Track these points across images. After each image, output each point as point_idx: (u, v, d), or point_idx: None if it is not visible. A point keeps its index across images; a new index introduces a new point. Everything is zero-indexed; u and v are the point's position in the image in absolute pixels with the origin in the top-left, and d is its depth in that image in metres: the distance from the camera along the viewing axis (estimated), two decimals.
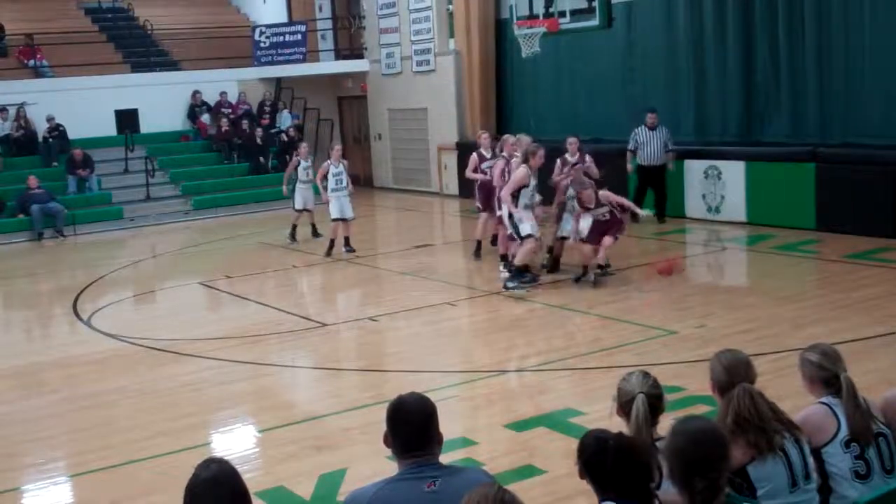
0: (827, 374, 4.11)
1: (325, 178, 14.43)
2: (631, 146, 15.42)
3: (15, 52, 22.78)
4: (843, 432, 3.96)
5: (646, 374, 4.02)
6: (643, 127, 15.33)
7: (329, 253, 14.11)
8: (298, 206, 15.71)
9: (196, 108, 22.77)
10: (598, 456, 3.23)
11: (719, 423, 3.77)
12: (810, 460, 3.84)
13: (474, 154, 13.49)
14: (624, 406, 3.97)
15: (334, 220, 14.22)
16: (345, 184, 14.35)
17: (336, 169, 14.34)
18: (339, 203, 14.21)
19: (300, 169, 15.66)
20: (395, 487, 3.40)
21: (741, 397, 3.80)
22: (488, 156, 13.19)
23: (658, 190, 15.40)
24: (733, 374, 3.99)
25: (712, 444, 3.21)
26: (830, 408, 4.04)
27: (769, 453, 3.71)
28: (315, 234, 15.90)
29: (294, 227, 15.75)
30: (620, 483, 3.19)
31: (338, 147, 15.13)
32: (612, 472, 3.19)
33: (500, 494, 2.92)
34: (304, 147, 16.20)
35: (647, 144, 15.31)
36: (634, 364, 8.23)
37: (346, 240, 14.41)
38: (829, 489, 3.94)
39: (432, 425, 3.53)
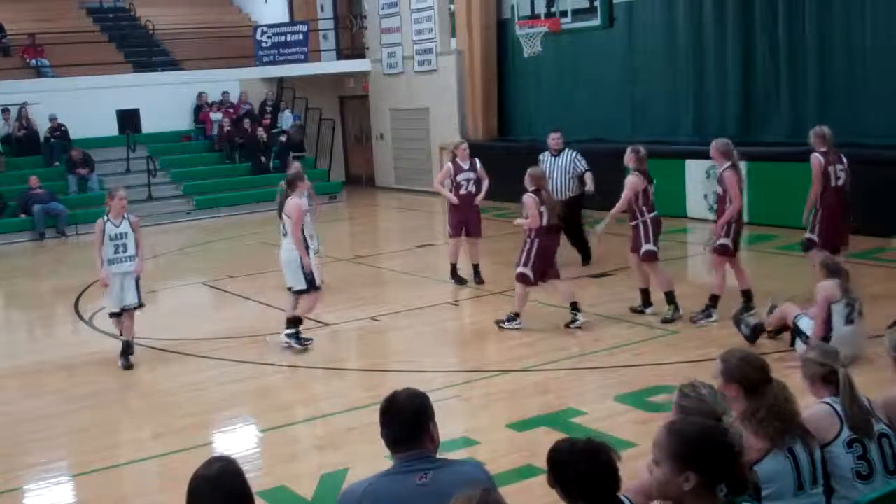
0: (826, 371, 4.14)
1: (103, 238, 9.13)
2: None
3: (20, 51, 22.82)
4: (846, 432, 3.97)
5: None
6: (547, 153, 12.19)
7: (126, 363, 9.17)
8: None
9: (202, 108, 22.80)
10: (564, 458, 3.21)
11: (744, 418, 3.76)
12: (819, 466, 3.84)
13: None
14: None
15: (112, 314, 9.41)
16: (130, 252, 9.06)
17: (117, 228, 9.06)
18: (117, 286, 9.12)
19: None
20: (385, 481, 3.42)
21: (780, 392, 3.88)
22: (465, 166, 11.72)
23: (571, 230, 12.00)
24: (766, 371, 4.02)
25: (727, 434, 3.21)
26: (833, 408, 4.05)
27: (780, 451, 3.74)
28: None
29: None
30: (587, 488, 3.15)
31: (120, 194, 9.23)
32: (577, 475, 3.15)
33: (483, 497, 2.92)
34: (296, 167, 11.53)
35: (550, 174, 11.76)
36: (634, 364, 8.24)
37: (125, 348, 9.26)
38: (831, 489, 3.94)
39: (422, 420, 3.51)
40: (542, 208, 9.31)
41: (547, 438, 6.63)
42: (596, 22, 16.21)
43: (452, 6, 20.79)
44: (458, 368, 8.74)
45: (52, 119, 20.67)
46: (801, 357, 4.31)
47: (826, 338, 7.56)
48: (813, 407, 4.12)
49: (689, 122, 16.18)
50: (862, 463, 3.95)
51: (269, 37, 23.07)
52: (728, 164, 9.30)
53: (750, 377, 3.99)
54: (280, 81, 23.65)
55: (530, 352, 8.90)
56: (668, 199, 15.45)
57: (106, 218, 9.06)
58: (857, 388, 4.08)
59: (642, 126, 16.97)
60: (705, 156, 15.11)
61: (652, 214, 9.55)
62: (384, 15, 22.43)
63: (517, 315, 9.61)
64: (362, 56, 23.79)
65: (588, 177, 11.87)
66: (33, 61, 22.57)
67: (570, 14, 16.09)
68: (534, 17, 16.70)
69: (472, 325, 10.36)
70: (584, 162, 12.02)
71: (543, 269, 9.45)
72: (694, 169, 15.39)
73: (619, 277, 11.34)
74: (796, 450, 3.76)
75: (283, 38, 23.03)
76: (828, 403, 4.08)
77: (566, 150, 12.04)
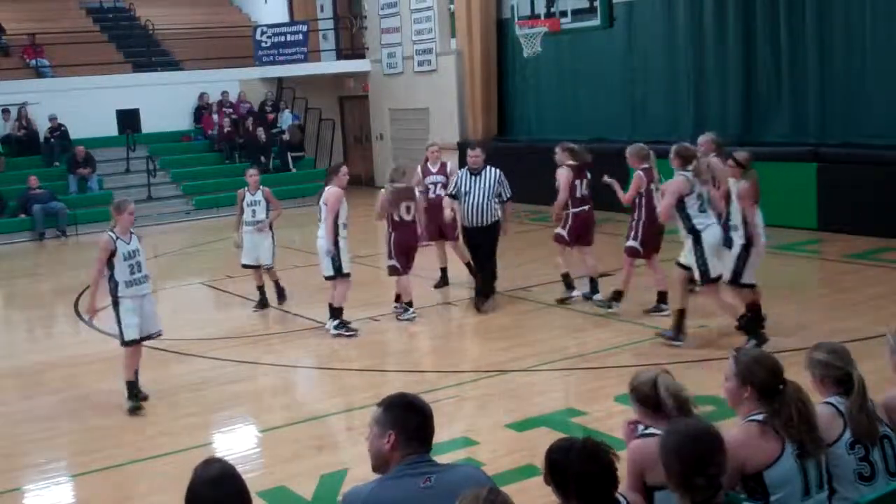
0: (839, 373, 4.03)
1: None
2: (451, 189, 10.83)
3: (20, 51, 22.83)
4: (848, 434, 3.91)
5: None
6: (465, 169, 10.76)
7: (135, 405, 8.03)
8: (245, 259, 11.35)
9: (203, 108, 22.81)
10: (562, 457, 3.21)
11: (767, 419, 3.73)
12: (825, 471, 3.79)
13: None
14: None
15: (131, 342, 8.11)
16: (144, 271, 8.08)
17: (128, 245, 7.98)
18: (137, 310, 8.06)
19: (245, 206, 11.18)
20: (390, 485, 3.40)
21: (798, 394, 3.79)
22: (434, 169, 11.73)
23: (483, 261, 10.81)
24: (780, 374, 3.90)
25: (709, 442, 3.22)
26: (837, 408, 3.98)
27: (792, 455, 3.68)
28: (280, 295, 11.52)
29: (259, 289, 11.40)
30: (583, 487, 3.16)
31: (132, 208, 8.11)
32: (575, 475, 3.15)
33: (491, 496, 2.93)
34: (252, 174, 11.42)
35: (469, 196, 10.51)
36: (634, 364, 8.23)
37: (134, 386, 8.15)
38: (832, 490, 3.89)
39: (433, 422, 3.57)
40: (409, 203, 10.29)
41: (547, 438, 6.58)
42: (596, 22, 16.22)
43: (452, 6, 20.78)
44: (457, 368, 8.74)
45: (52, 119, 20.67)
46: (811, 357, 4.17)
47: (696, 231, 8.32)
48: (816, 407, 4.00)
49: (690, 122, 16.14)
50: (864, 465, 3.89)
51: (268, 37, 23.06)
52: (644, 166, 9.62)
53: (767, 382, 3.88)
54: (280, 81, 23.65)
55: (530, 352, 8.90)
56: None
57: (115, 235, 7.86)
58: (868, 394, 3.99)
59: (642, 126, 16.96)
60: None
61: (577, 209, 10.32)
62: (384, 15, 22.43)
63: (409, 304, 10.36)
64: (362, 56, 23.79)
65: (508, 207, 10.72)
66: (33, 61, 22.57)
67: (569, 14, 16.10)
68: (534, 17, 16.70)
69: (471, 325, 10.35)
70: (507, 188, 10.58)
71: (404, 260, 10.33)
72: None
73: (619, 278, 11.32)
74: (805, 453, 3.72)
75: (282, 38, 23.03)
76: (831, 404, 4.01)
77: (488, 169, 10.54)
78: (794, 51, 14.56)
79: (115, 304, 7.93)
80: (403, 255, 10.36)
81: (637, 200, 9.63)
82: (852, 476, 3.89)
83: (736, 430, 3.78)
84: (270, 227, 11.24)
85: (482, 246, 10.68)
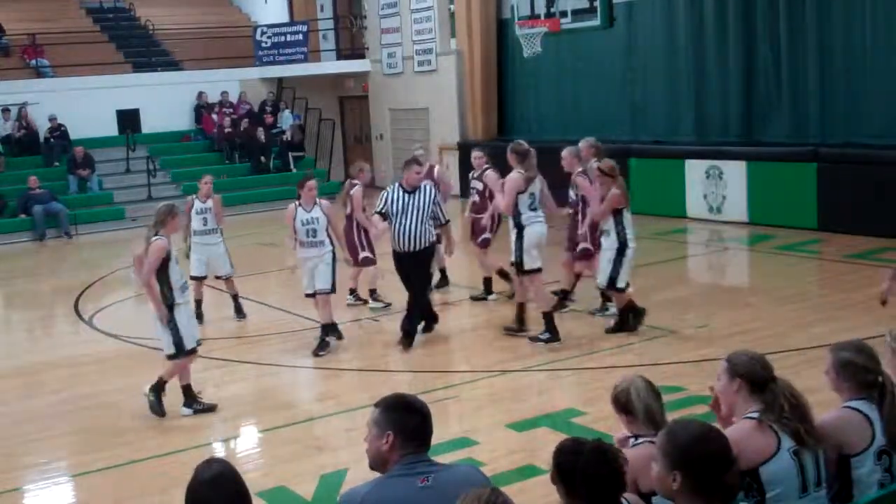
0: (873, 377, 3.86)
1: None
2: (380, 207, 9.17)
3: (20, 51, 22.85)
4: (879, 442, 3.76)
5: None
6: (397, 185, 9.29)
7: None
8: (195, 271, 10.75)
9: (202, 108, 22.82)
10: (573, 459, 3.19)
11: (761, 415, 3.69)
12: (823, 468, 3.69)
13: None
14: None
15: (188, 353, 7.92)
16: (185, 278, 8.00)
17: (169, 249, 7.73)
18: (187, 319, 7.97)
19: (193, 214, 10.70)
20: (387, 485, 3.40)
21: (788, 389, 3.72)
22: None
23: (415, 291, 9.40)
24: (770, 369, 3.83)
25: (716, 439, 3.20)
26: (864, 414, 3.81)
27: (787, 452, 3.62)
28: (238, 311, 11.11)
29: (196, 303, 10.51)
30: (592, 489, 3.14)
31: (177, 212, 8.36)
32: (584, 476, 3.14)
33: (492, 497, 2.93)
34: (206, 181, 10.96)
35: (403, 217, 9.07)
36: (635, 364, 8.24)
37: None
38: (850, 497, 3.78)
39: (431, 421, 3.57)
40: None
41: (547, 438, 6.63)
42: (596, 22, 16.25)
43: (452, 6, 20.79)
44: (457, 368, 8.74)
45: (52, 119, 20.68)
46: (838, 356, 3.98)
47: (521, 226, 8.83)
48: (840, 411, 3.88)
49: (690, 122, 16.17)
50: (887, 475, 3.78)
51: (268, 37, 23.08)
52: (580, 170, 9.67)
53: (756, 373, 3.80)
54: (280, 81, 23.66)
55: (530, 352, 8.90)
56: (668, 199, 15.51)
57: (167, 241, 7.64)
58: None
59: (642, 126, 16.98)
60: (705, 156, 15.25)
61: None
62: (384, 15, 22.44)
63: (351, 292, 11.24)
64: (362, 56, 23.80)
65: (450, 228, 9.89)
66: (33, 61, 22.58)
67: (569, 14, 16.13)
68: (534, 17, 16.74)
69: (471, 325, 10.35)
70: (443, 210, 9.60)
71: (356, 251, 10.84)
72: (694, 169, 15.39)
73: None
74: (802, 452, 3.66)
75: (282, 39, 23.05)
76: (857, 410, 3.83)
77: (422, 187, 9.20)
78: (794, 51, 14.57)
79: (171, 311, 7.57)
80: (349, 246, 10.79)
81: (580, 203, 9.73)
82: (875, 485, 3.77)
83: (732, 426, 3.76)
84: (221, 234, 10.87)
85: (414, 274, 9.31)
